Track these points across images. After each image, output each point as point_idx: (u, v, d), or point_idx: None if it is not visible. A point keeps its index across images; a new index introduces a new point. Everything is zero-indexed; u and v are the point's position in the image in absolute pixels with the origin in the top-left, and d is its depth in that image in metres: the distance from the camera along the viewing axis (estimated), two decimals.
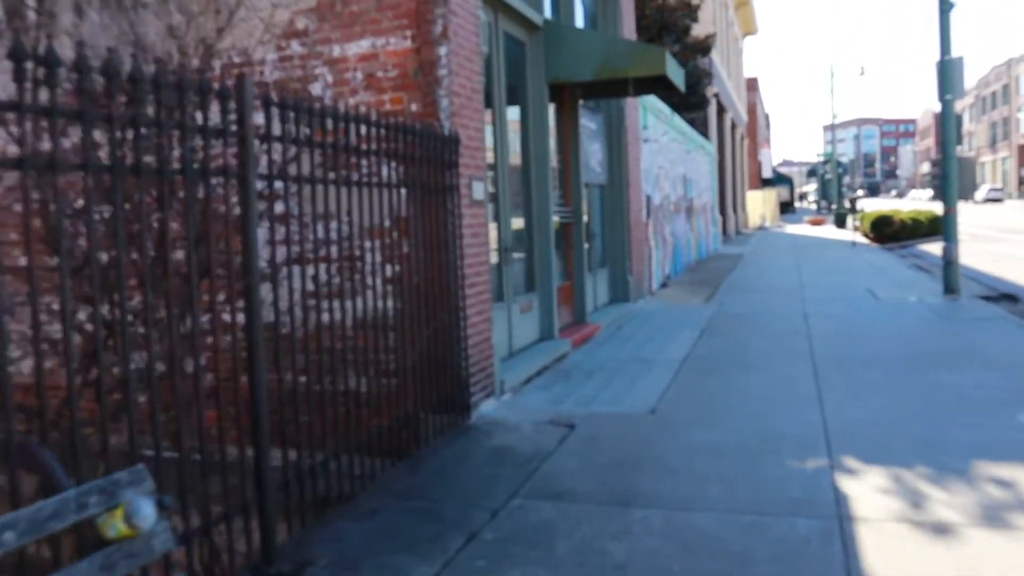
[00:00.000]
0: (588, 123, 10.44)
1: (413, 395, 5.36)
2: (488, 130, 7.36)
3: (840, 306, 11.13)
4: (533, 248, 8.40)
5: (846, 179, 57.27)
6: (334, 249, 4.94)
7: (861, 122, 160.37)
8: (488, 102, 7.32)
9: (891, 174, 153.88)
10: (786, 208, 60.77)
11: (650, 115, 13.67)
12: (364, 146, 4.87)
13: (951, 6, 11.49)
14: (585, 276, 9.82)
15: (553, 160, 9.26)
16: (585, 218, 10.42)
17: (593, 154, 10.68)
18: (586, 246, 10.36)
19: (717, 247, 25.14)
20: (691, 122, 23.17)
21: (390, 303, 5.43)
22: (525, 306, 8.06)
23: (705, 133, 25.49)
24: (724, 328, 9.68)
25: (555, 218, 9.15)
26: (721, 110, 30.41)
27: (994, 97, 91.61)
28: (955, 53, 11.64)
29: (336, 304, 4.68)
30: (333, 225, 4.75)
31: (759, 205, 43.89)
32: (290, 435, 4.12)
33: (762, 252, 23.42)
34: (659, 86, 9.58)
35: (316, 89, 6.21)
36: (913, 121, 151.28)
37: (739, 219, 36.90)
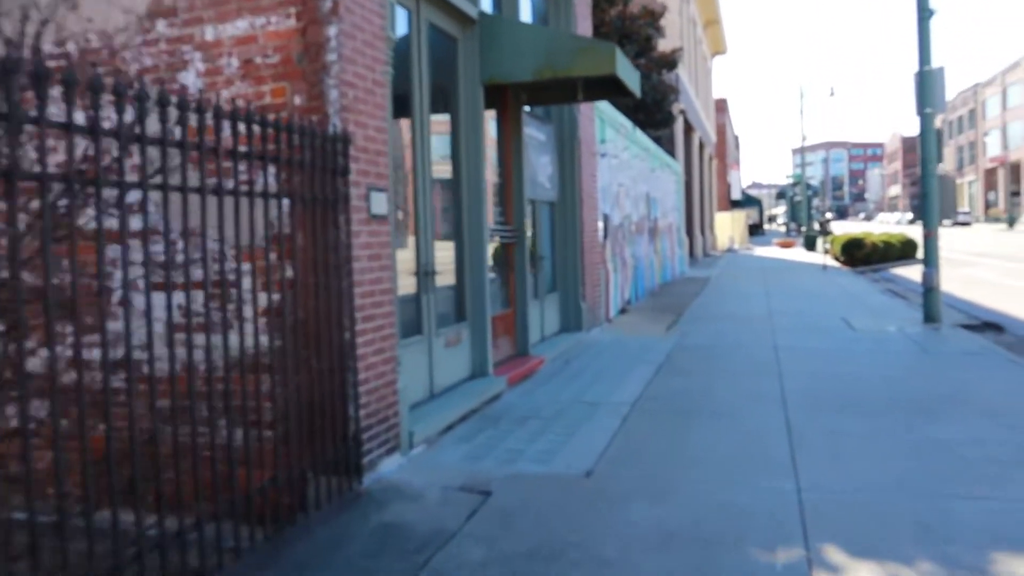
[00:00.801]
0: (535, 133, 9.40)
1: (296, 451, 4.25)
2: (406, 134, 6.27)
3: (814, 337, 10.13)
4: (464, 272, 7.30)
5: (815, 201, 57.04)
6: (199, 273, 4.10)
7: (830, 145, 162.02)
8: (406, 103, 6.24)
9: (859, 197, 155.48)
10: (755, 230, 60.37)
11: (609, 128, 12.68)
12: (232, 148, 3.79)
13: (931, 13, 10.65)
14: (529, 303, 8.73)
15: (492, 173, 8.19)
16: (531, 238, 9.36)
17: (541, 168, 9.63)
18: (532, 270, 9.30)
19: (684, 270, 24.22)
20: (657, 140, 22.30)
21: (266, 339, 4.35)
22: (452, 339, 6.95)
23: (672, 152, 24.65)
24: (685, 363, 8.63)
25: (494, 238, 8.07)
26: (689, 129, 29.65)
27: (960, 121, 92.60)
28: (934, 64, 10.79)
29: (204, 339, 3.88)
30: (199, 243, 3.78)
31: (728, 227, 43.25)
32: (147, 495, 3.42)
33: (730, 275, 22.53)
34: (612, 91, 8.56)
35: (187, 79, 5.10)
36: (881, 145, 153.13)
37: (707, 241, 36.14)
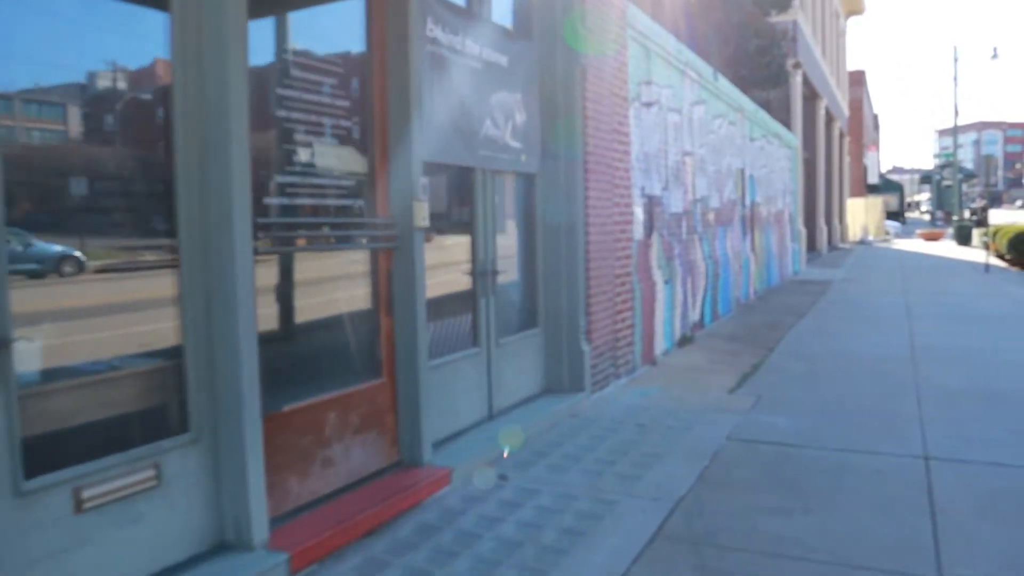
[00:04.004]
0: (467, 45, 5.22)
1: None
2: None
3: (1009, 428, 5.50)
4: (191, 333, 3.25)
5: (965, 187, 49.63)
6: None
7: (983, 126, 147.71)
8: None
9: (1016, 183, 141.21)
10: (894, 219, 53.20)
11: (658, 63, 8.27)
12: None
13: None
14: (422, 366, 4.52)
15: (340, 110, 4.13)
16: (475, 239, 5.24)
17: (492, 112, 5.44)
18: (478, 293, 5.17)
19: (798, 269, 19.26)
20: (764, 104, 17.49)
21: None
22: (132, 484, 2.94)
23: (786, 121, 19.70)
24: (730, 501, 4.26)
25: (317, 244, 4.01)
26: (812, 95, 24.38)
27: None
28: None
29: None
30: None
31: (861, 215, 37.24)
32: None
33: (859, 278, 17.45)
34: None
35: None
36: None
37: (834, 231, 30.57)
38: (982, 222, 27.21)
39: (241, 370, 3.23)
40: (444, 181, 5.18)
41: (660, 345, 8.25)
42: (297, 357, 4.02)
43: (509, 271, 5.86)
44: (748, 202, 13.36)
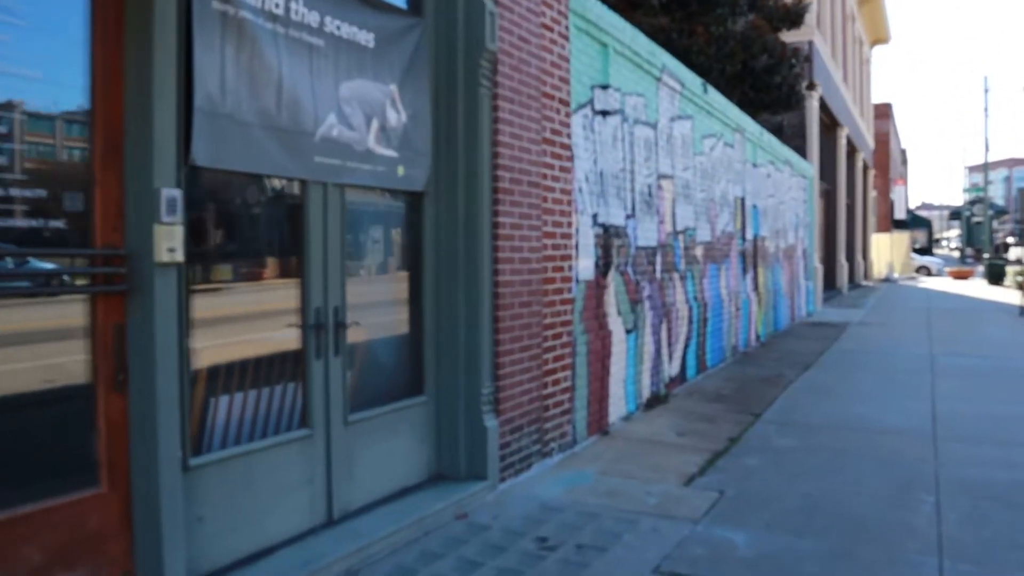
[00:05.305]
0: (298, 14, 3.77)
1: None
2: None
3: None
4: None
5: (995, 224, 47.51)
6: None
7: (1013, 162, 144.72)
8: None
9: None
10: (922, 254, 51.09)
11: (623, 65, 6.78)
12: None
13: None
14: (167, 467, 3.00)
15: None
16: (322, 272, 3.78)
17: (330, 104, 3.99)
18: (321, 360, 3.68)
19: (812, 309, 17.57)
20: (777, 129, 15.95)
21: None
22: None
23: (802, 150, 18.14)
24: None
25: None
26: (832, 123, 22.80)
27: None
28: None
29: None
30: None
31: (886, 251, 35.39)
32: None
33: (879, 320, 15.73)
34: None
35: None
36: None
37: (856, 268, 28.79)
38: (1015, 260, 25.32)
39: None
40: (255, 198, 3.71)
41: (618, 409, 6.67)
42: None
43: (374, 323, 4.36)
44: (750, 235, 11.79)
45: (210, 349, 3.34)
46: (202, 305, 3.30)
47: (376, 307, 4.43)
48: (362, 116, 4.11)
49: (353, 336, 4.13)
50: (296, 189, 3.81)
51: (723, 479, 5.09)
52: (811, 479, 5.10)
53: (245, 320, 3.63)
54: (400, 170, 4.39)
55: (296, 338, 3.82)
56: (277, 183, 3.77)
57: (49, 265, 2.81)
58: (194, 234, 3.26)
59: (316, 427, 3.88)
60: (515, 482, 4.95)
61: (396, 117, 4.35)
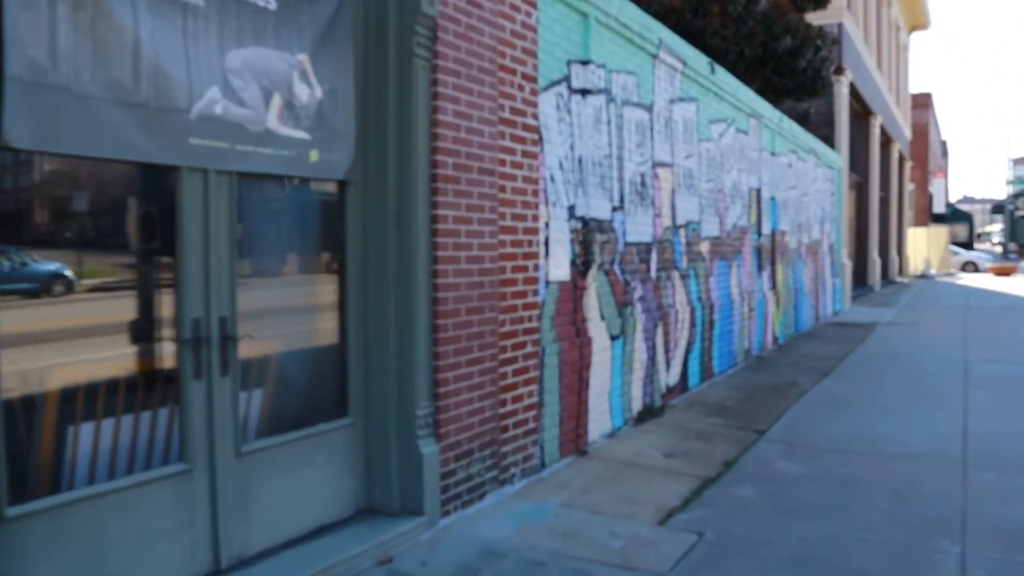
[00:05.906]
0: None
1: None
2: None
3: None
4: None
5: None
6: None
7: None
8: None
9: None
10: (964, 248, 49.41)
11: (603, 35, 6.03)
12: None
13: None
14: None
15: None
16: (200, 275, 3.11)
17: (212, 75, 3.32)
18: (203, 380, 3.02)
19: (840, 308, 16.63)
20: (802, 116, 15.05)
21: None
22: None
23: (829, 137, 17.19)
24: None
25: None
26: (863, 111, 21.73)
27: None
28: None
29: None
30: None
31: (923, 246, 34.08)
32: None
33: (911, 320, 14.77)
34: None
35: None
36: None
37: (890, 264, 27.63)
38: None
39: None
40: (113, 188, 3.06)
41: (601, 425, 5.95)
42: None
43: (282, 334, 3.70)
44: (767, 230, 10.96)
45: (37, 372, 2.70)
46: (16, 318, 2.66)
47: (286, 315, 3.77)
48: (258, 90, 3.44)
49: (251, 351, 3.47)
50: (167, 177, 3.15)
51: (706, 516, 4.35)
52: (811, 518, 4.34)
53: (91, 335, 2.98)
54: (314, 155, 3.71)
55: (170, 355, 3.16)
56: (141, 170, 3.11)
57: None
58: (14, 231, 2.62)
59: (196, 460, 3.23)
60: (462, 515, 4.26)
61: (308, 93, 3.68)
